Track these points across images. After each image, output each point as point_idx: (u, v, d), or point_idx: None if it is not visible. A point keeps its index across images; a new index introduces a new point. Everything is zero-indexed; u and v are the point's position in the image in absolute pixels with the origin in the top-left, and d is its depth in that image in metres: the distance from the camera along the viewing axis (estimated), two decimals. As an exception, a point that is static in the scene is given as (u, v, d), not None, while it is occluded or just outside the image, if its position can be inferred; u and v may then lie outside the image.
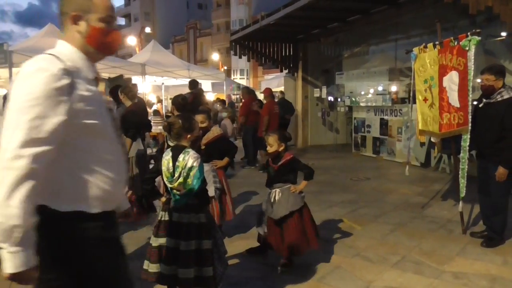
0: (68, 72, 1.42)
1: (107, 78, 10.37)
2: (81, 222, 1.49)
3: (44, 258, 1.43)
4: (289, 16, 9.29)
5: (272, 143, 3.49)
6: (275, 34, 11.85)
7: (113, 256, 1.61)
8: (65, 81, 1.40)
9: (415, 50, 4.75)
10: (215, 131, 3.99)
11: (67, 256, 1.49)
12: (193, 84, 7.70)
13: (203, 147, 3.87)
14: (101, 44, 1.58)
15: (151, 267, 2.70)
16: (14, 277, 1.34)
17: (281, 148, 3.51)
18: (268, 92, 8.75)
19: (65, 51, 1.52)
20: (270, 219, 3.51)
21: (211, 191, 3.74)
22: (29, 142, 1.32)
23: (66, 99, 1.40)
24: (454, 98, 4.17)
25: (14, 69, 8.10)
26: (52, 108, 1.36)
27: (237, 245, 4.08)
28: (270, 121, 7.87)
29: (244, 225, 4.48)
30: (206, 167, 3.76)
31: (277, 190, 3.49)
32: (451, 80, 4.17)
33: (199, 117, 3.88)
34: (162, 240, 2.69)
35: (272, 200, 3.50)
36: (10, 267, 1.32)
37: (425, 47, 4.59)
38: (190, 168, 2.59)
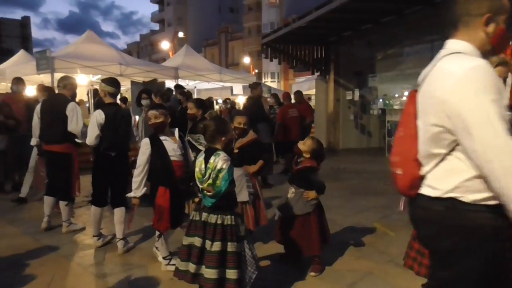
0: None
1: (141, 82, 10.66)
2: (486, 213, 1.53)
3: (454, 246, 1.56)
4: (321, 19, 9.24)
5: (307, 147, 3.54)
6: (307, 37, 11.80)
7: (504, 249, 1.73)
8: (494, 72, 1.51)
9: None
10: (250, 135, 4.00)
11: (471, 247, 1.55)
12: (254, 86, 7.70)
13: (236, 150, 3.88)
14: (499, 44, 1.65)
15: (181, 265, 2.76)
16: None
17: (308, 156, 3.54)
18: (284, 96, 8.71)
19: (467, 49, 1.60)
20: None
21: (244, 196, 3.77)
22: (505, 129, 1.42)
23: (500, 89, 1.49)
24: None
25: (55, 75, 8.47)
26: (500, 96, 1.46)
27: (268, 248, 4.09)
28: (287, 125, 7.77)
29: (274, 229, 4.47)
30: (239, 171, 3.79)
31: (292, 189, 3.58)
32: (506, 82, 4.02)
33: (239, 119, 3.92)
34: (192, 239, 2.74)
35: (288, 195, 3.61)
36: None
37: None
38: (220, 170, 2.63)
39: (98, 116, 3.95)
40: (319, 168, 3.58)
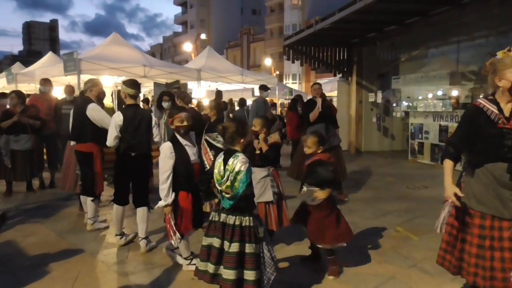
0: None
1: (164, 83, 10.80)
2: None
3: None
4: (344, 20, 9.16)
5: (311, 145, 3.53)
6: (329, 38, 11.73)
7: None
8: None
9: (499, 54, 4.47)
10: (273, 137, 4.03)
11: None
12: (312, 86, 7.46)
13: (258, 151, 3.91)
14: None
15: (200, 265, 2.78)
16: None
17: (319, 151, 3.53)
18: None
19: None
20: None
21: (269, 196, 3.78)
22: None
23: None
24: None
25: (82, 76, 8.68)
26: None
27: (289, 249, 4.08)
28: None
29: (296, 230, 4.46)
30: (264, 172, 3.82)
31: (304, 188, 3.54)
32: None
33: (255, 122, 3.96)
34: (211, 240, 2.75)
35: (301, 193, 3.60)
36: None
37: (509, 50, 4.31)
38: (238, 172, 2.63)
39: (117, 117, 4.06)
40: (333, 163, 3.55)
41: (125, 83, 4.23)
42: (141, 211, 4.13)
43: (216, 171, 2.75)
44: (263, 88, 8.66)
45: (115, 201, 4.27)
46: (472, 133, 2.64)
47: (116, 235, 4.31)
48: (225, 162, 2.70)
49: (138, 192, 4.19)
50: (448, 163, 2.74)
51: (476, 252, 2.62)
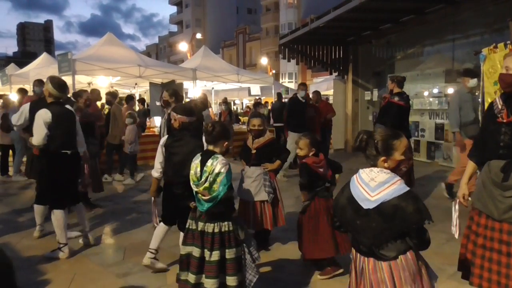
0: None
1: (160, 83, 10.77)
2: None
3: None
4: (339, 19, 9.15)
5: (303, 147, 3.42)
6: (325, 37, 11.72)
7: None
8: None
9: (484, 51, 4.47)
10: (267, 135, 4.05)
11: None
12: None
13: (254, 151, 3.93)
14: None
15: (182, 275, 2.73)
16: None
17: (311, 153, 3.42)
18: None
19: None
20: None
21: (263, 195, 3.80)
22: None
23: None
24: None
25: (76, 77, 8.63)
26: None
27: (286, 248, 4.07)
28: None
29: (293, 229, 4.45)
30: (258, 170, 3.84)
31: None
32: None
33: (254, 121, 3.97)
34: (190, 249, 2.69)
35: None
36: None
37: (495, 47, 4.31)
38: (218, 174, 2.56)
39: (45, 115, 3.76)
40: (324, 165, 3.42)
41: (51, 81, 3.89)
42: (81, 206, 4.21)
43: (192, 172, 2.67)
44: (469, 73, 5.60)
45: (54, 206, 3.89)
46: (485, 129, 2.60)
47: (60, 244, 3.90)
48: (203, 163, 2.63)
49: (77, 190, 4.20)
50: (469, 164, 2.73)
51: (481, 253, 2.54)
